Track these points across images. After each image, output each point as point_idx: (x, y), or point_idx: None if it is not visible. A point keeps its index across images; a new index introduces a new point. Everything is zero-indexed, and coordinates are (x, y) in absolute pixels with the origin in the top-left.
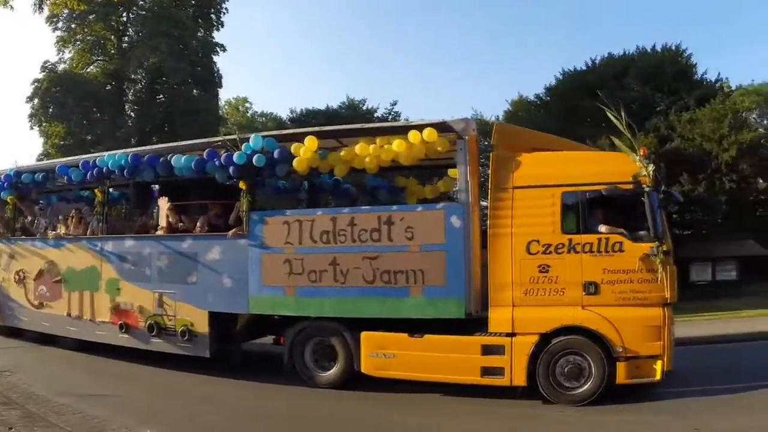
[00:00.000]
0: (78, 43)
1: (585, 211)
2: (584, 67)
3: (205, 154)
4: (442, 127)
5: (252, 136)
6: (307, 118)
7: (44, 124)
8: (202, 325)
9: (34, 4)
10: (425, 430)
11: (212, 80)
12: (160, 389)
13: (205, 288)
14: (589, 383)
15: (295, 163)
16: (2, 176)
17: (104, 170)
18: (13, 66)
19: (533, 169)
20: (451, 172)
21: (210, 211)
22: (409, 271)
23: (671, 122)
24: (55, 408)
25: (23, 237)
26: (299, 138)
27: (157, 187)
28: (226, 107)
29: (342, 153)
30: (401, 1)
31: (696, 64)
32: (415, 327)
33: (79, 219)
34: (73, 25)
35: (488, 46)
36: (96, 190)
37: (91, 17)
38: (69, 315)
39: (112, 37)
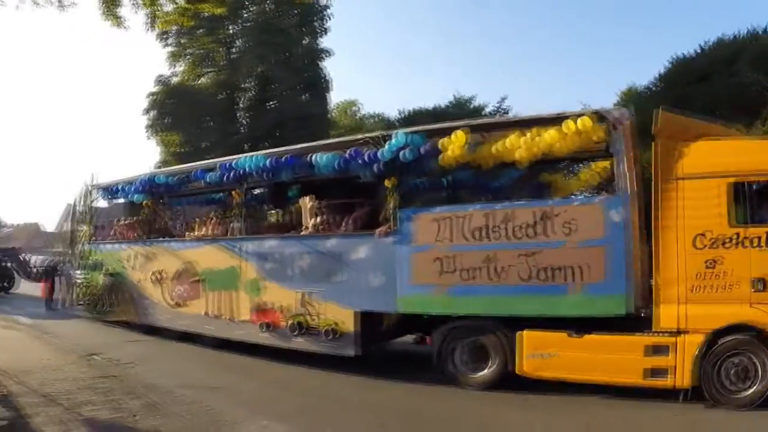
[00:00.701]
0: (188, 56)
1: (755, 202)
2: (694, 54)
3: (348, 152)
4: (596, 116)
5: (396, 132)
6: (416, 118)
7: (161, 134)
8: (348, 325)
9: (146, 23)
10: None
11: (320, 85)
12: (272, 382)
13: (352, 287)
14: (756, 385)
15: (442, 157)
16: (138, 180)
17: (242, 172)
18: (130, 82)
19: (700, 159)
20: (593, 165)
21: (358, 209)
22: (567, 268)
23: None
24: (175, 398)
25: (160, 239)
26: (443, 133)
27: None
28: (335, 111)
29: (493, 146)
30: None
31: None
32: (569, 326)
33: (218, 220)
34: (182, 41)
35: (596, 37)
36: (234, 192)
37: (199, 32)
38: (207, 314)
39: (221, 49)
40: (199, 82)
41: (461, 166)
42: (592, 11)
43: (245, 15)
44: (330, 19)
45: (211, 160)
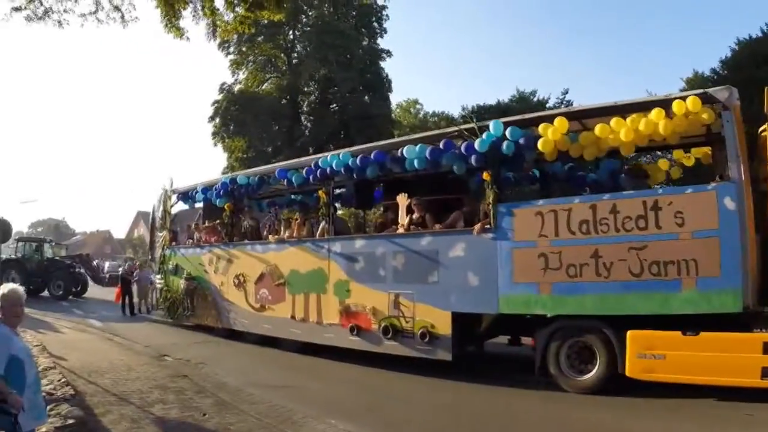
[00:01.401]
0: (250, 63)
1: None
2: (760, 34)
3: (441, 144)
4: (704, 98)
5: (491, 122)
6: (479, 114)
7: (226, 140)
8: (444, 327)
9: (207, 33)
10: None
11: (382, 85)
12: (339, 381)
13: (448, 287)
14: None
15: (541, 145)
16: (219, 184)
17: (328, 171)
18: (197, 91)
19: None
20: (693, 150)
21: (465, 206)
22: (680, 261)
23: None
24: (245, 397)
25: (242, 242)
26: (538, 122)
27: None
28: (397, 110)
29: (596, 131)
30: None
31: None
32: (673, 324)
33: (303, 221)
34: (243, 48)
35: (657, 25)
36: (320, 192)
37: (259, 39)
38: (293, 318)
39: (282, 54)
40: (262, 88)
41: (560, 156)
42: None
43: (304, 19)
44: (387, 19)
45: (293, 160)
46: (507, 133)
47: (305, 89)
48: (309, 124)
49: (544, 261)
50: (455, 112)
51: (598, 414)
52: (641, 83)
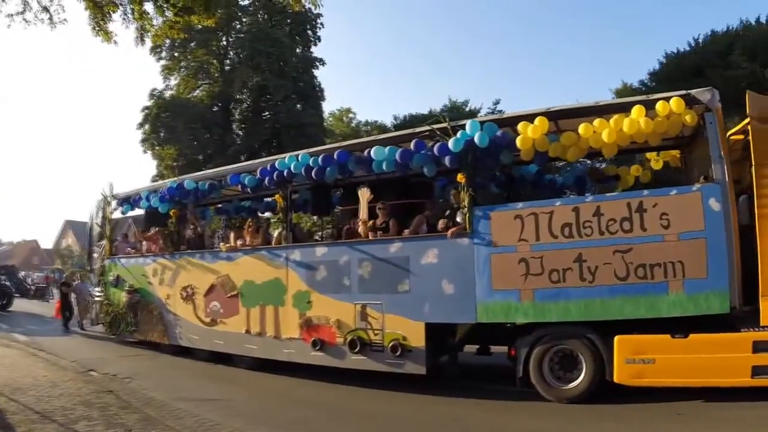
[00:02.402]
0: (182, 69)
1: None
2: (687, 48)
3: (412, 144)
4: (686, 99)
5: (468, 121)
6: (412, 123)
7: (156, 147)
8: (417, 339)
9: (136, 38)
10: None
11: (314, 94)
12: (267, 393)
13: (420, 297)
14: None
15: (520, 142)
16: (164, 188)
17: (285, 173)
18: (129, 96)
19: None
20: (662, 154)
21: (427, 210)
22: (667, 264)
23: None
24: (172, 412)
25: (190, 251)
26: (517, 122)
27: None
28: (330, 119)
29: (580, 131)
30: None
31: None
32: (659, 327)
33: (257, 228)
34: (176, 54)
35: (585, 36)
36: (277, 196)
37: (192, 44)
38: (248, 332)
39: (214, 61)
40: (194, 94)
41: (534, 158)
42: (579, 10)
43: (238, 26)
44: (322, 27)
45: (246, 163)
46: (483, 129)
47: (238, 97)
48: (241, 132)
49: (525, 266)
50: (388, 121)
51: (590, 424)
52: (572, 93)
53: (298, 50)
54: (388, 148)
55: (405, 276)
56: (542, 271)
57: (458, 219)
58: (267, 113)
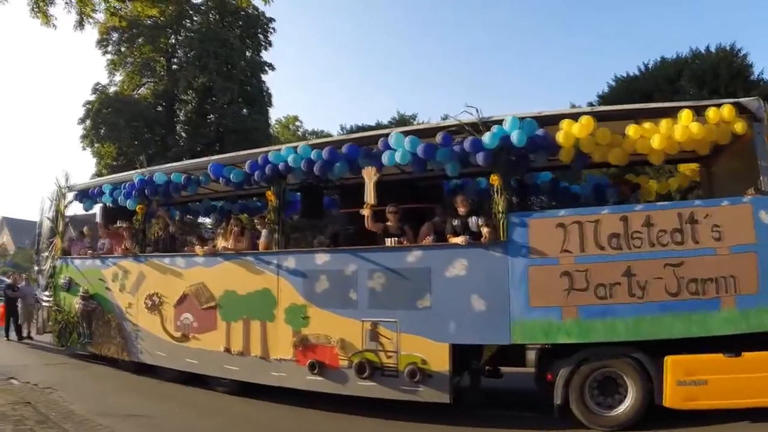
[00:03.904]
0: (128, 65)
1: None
2: (637, 73)
3: (438, 137)
4: (736, 107)
5: (507, 117)
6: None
7: (96, 144)
8: (440, 362)
9: (76, 22)
10: None
11: (262, 99)
12: (201, 410)
13: (445, 314)
14: None
15: (562, 138)
16: (132, 181)
17: (281, 167)
18: (68, 89)
19: None
20: (681, 167)
21: (435, 216)
22: (719, 279)
23: None
24: (92, 428)
25: (157, 253)
26: (557, 121)
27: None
28: (276, 126)
29: (629, 132)
30: (440, 16)
31: (753, 64)
32: (705, 345)
33: (241, 230)
34: (122, 48)
35: (535, 55)
36: (268, 193)
37: (140, 40)
38: (228, 351)
39: (161, 58)
40: (139, 92)
41: (579, 160)
42: (532, 30)
43: (188, 24)
44: (274, 32)
45: (230, 154)
46: (521, 126)
47: (183, 97)
48: (184, 134)
49: (568, 281)
50: (334, 131)
51: None
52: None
53: (247, 54)
54: (409, 137)
55: (426, 290)
56: (587, 285)
57: (471, 227)
58: (212, 116)
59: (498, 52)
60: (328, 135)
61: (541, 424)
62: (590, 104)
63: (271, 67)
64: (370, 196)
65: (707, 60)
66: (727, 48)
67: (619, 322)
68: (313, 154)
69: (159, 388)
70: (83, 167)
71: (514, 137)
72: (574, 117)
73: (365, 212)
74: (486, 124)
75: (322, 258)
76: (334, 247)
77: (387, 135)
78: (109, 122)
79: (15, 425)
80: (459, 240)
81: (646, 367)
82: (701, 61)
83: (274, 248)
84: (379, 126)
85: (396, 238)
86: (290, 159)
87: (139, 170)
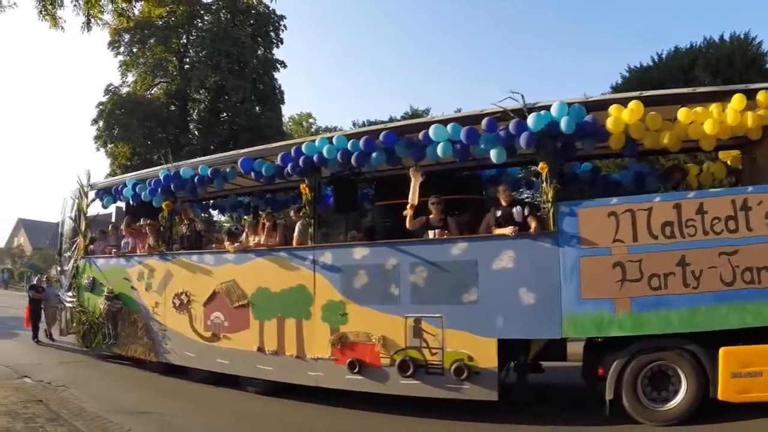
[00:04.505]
0: (140, 66)
1: None
2: (650, 63)
3: (484, 123)
4: None
5: (554, 102)
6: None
7: (110, 145)
8: (487, 358)
9: (83, 24)
10: None
11: (274, 97)
12: (208, 406)
13: (492, 308)
14: None
15: (611, 124)
16: (157, 177)
17: (316, 159)
18: (82, 91)
19: None
20: (721, 154)
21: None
22: None
23: None
24: (103, 425)
25: (185, 251)
26: (605, 107)
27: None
28: (290, 123)
29: (680, 117)
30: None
31: (767, 52)
32: (754, 336)
33: (273, 225)
34: (134, 49)
35: (549, 48)
36: (302, 186)
37: (151, 41)
38: (261, 350)
39: (173, 58)
40: (152, 92)
41: (629, 146)
42: (542, 22)
43: (200, 24)
44: (285, 30)
45: (259, 147)
46: (569, 112)
47: (195, 96)
48: (197, 133)
49: (621, 271)
50: (347, 127)
51: None
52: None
53: (259, 52)
54: (451, 125)
55: (472, 283)
56: (641, 276)
57: (515, 218)
58: (224, 114)
59: (508, 46)
60: (341, 131)
61: (589, 419)
62: (603, 95)
63: (283, 64)
64: (414, 196)
65: (721, 49)
66: (742, 36)
67: (673, 314)
68: (349, 145)
69: (174, 385)
70: (98, 168)
71: (563, 123)
72: (623, 102)
73: (407, 213)
74: (531, 111)
75: (360, 252)
76: (368, 241)
77: (426, 123)
78: (122, 123)
79: (26, 423)
80: (507, 231)
81: (700, 359)
82: (715, 50)
83: (309, 243)
84: (391, 120)
85: (438, 230)
86: (325, 150)
87: (164, 166)
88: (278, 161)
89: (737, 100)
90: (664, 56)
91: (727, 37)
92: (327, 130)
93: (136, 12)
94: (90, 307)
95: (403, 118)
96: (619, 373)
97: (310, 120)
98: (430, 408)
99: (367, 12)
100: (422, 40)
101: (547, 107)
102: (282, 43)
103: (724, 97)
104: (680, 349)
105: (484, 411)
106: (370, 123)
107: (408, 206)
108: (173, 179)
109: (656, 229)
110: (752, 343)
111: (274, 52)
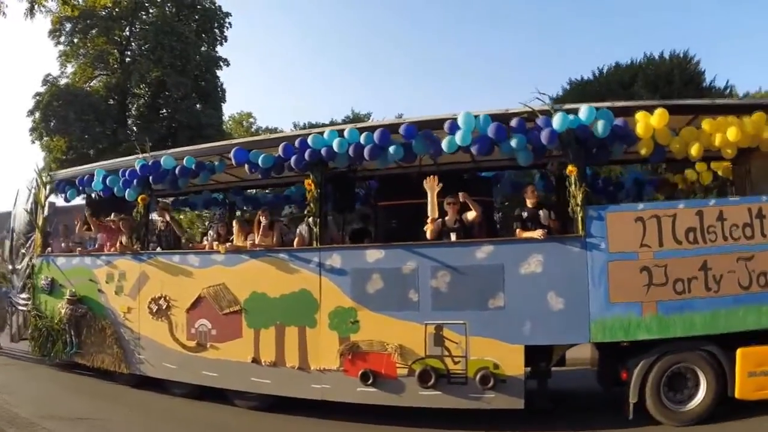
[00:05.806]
0: (81, 57)
1: None
2: (591, 77)
3: (514, 122)
4: None
5: (582, 106)
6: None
7: (45, 138)
8: (514, 366)
9: (26, 11)
10: None
11: (215, 94)
12: (152, 413)
13: (519, 314)
14: None
15: (641, 130)
16: (133, 168)
17: (323, 152)
18: (19, 80)
19: None
20: (714, 165)
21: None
22: None
23: None
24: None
25: (164, 251)
26: (631, 113)
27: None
28: (230, 122)
29: (704, 126)
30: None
31: (704, 71)
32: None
33: (270, 224)
34: (75, 40)
35: (492, 58)
36: (307, 182)
37: (93, 31)
38: (257, 361)
39: (115, 51)
40: (91, 85)
41: (657, 153)
42: (488, 31)
43: (143, 17)
44: (230, 27)
45: (255, 137)
46: (599, 116)
47: (135, 91)
48: (135, 129)
49: (648, 276)
50: (287, 128)
51: None
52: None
53: (203, 48)
54: (482, 116)
55: (498, 288)
56: (666, 280)
57: (542, 221)
58: (164, 111)
59: (446, 55)
60: (282, 132)
61: (607, 423)
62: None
63: (226, 62)
64: (433, 209)
65: (661, 66)
66: (681, 55)
67: (696, 316)
68: (362, 138)
69: (114, 391)
70: (31, 162)
71: (600, 127)
72: (648, 109)
73: (429, 228)
74: (557, 112)
75: (374, 255)
76: (383, 243)
77: (447, 119)
78: (60, 115)
79: None
80: (536, 234)
81: (720, 359)
82: (655, 67)
83: (314, 244)
84: (332, 124)
85: (455, 233)
86: (335, 143)
87: (140, 155)
88: (280, 153)
89: (758, 117)
90: (604, 71)
91: (666, 55)
92: (267, 130)
93: (81, 1)
94: (48, 311)
95: (344, 121)
96: (644, 376)
97: (251, 119)
98: (427, 417)
99: (305, 13)
100: (363, 46)
101: (575, 110)
102: (226, 40)
103: (744, 112)
104: (701, 350)
105: (496, 420)
106: (312, 125)
107: (429, 220)
108: (151, 170)
109: (680, 235)
110: (764, 344)
111: (217, 49)
